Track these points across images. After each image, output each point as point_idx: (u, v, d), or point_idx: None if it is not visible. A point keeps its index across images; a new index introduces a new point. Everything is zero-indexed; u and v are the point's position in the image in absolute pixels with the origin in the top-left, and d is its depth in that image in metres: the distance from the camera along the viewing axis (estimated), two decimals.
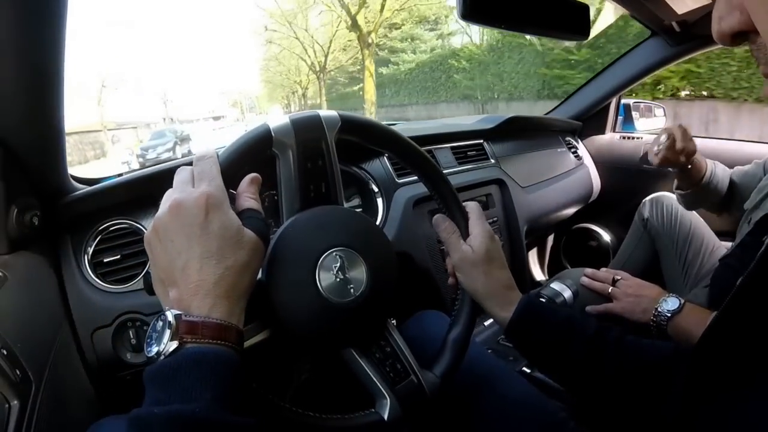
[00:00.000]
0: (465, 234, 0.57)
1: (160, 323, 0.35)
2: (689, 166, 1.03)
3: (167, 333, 0.34)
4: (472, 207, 0.58)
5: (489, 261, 0.55)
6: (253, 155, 0.46)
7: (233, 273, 0.37)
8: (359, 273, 0.47)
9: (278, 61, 28.01)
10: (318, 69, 22.50)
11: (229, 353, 0.35)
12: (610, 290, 0.87)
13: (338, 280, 0.46)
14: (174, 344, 0.34)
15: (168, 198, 0.38)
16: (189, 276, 0.36)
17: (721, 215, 1.12)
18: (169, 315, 0.35)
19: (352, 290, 0.46)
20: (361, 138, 0.53)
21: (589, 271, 0.91)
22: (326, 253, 0.46)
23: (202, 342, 0.34)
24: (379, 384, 0.49)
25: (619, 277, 0.88)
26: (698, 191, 1.06)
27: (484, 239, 0.56)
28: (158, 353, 0.34)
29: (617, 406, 0.50)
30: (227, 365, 0.34)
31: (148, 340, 0.36)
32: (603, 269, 0.92)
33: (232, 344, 0.35)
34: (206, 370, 0.33)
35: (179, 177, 0.40)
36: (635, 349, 0.50)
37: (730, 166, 1.09)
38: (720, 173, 1.06)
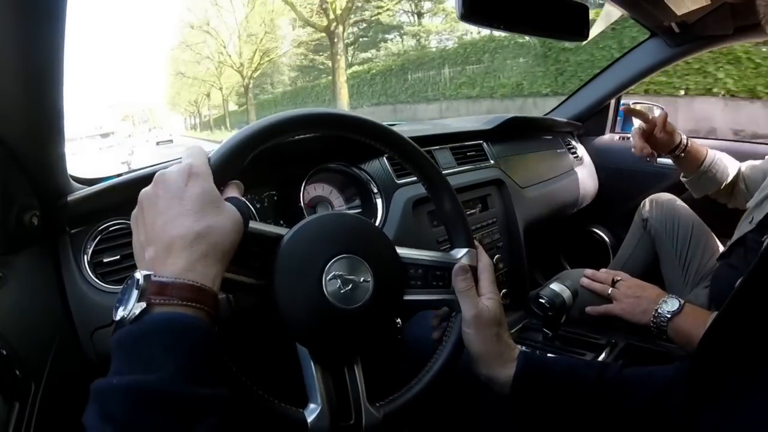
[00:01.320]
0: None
1: (129, 283, 0.33)
2: (679, 153, 1.07)
3: (134, 294, 0.32)
4: (485, 264, 0.56)
5: (499, 324, 0.54)
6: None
7: (213, 233, 0.36)
8: (364, 279, 0.48)
9: (206, 31, 18.36)
10: (337, 16, 11.84)
11: (200, 319, 0.33)
12: (609, 291, 0.86)
13: (344, 287, 0.47)
14: (141, 306, 0.32)
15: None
16: (166, 231, 0.35)
17: (729, 203, 1.13)
18: (138, 274, 0.33)
19: (358, 296, 0.47)
20: (242, 162, 0.46)
21: (588, 272, 0.91)
22: (331, 262, 0.47)
23: (172, 304, 0.32)
24: (451, 297, 0.54)
25: (618, 278, 0.88)
26: (699, 177, 1.09)
27: (497, 301, 0.55)
28: (123, 318, 0.32)
29: None
30: (197, 332, 0.32)
31: (117, 304, 0.34)
32: (603, 270, 0.92)
33: (205, 308, 0.33)
34: (172, 338, 0.31)
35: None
36: (637, 381, 0.50)
37: None
38: (721, 163, 1.08)
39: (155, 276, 0.33)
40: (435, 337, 0.57)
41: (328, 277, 0.46)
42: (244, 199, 0.43)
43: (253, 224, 0.45)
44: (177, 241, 0.35)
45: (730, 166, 1.09)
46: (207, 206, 0.37)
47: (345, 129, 0.52)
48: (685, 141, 1.07)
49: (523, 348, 0.55)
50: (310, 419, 0.45)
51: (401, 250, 0.54)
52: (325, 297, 0.46)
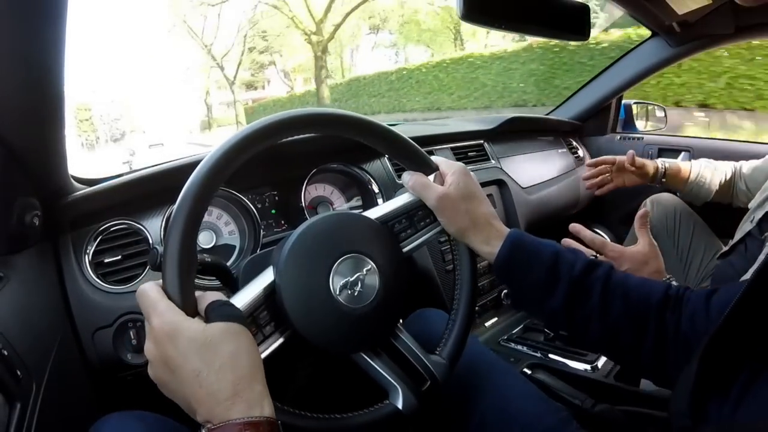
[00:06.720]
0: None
1: None
2: (659, 180, 1.11)
3: None
4: (438, 159, 0.57)
5: (470, 198, 0.53)
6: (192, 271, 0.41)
7: (227, 371, 0.36)
8: (372, 280, 0.48)
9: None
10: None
11: None
12: None
13: (351, 286, 0.47)
14: None
15: None
16: (199, 399, 0.36)
17: (732, 202, 1.14)
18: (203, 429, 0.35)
19: (364, 297, 0.47)
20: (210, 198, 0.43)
21: (566, 241, 0.86)
22: (340, 260, 0.47)
23: None
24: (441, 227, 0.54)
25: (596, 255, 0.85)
26: (691, 190, 1.12)
27: (460, 177, 0.53)
28: None
29: (602, 350, 0.49)
30: None
31: None
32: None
33: None
34: None
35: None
36: (623, 291, 0.48)
37: None
38: (707, 172, 1.10)
39: (211, 426, 0.35)
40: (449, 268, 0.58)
41: (336, 276, 0.46)
42: (222, 299, 0.41)
43: (240, 296, 0.44)
44: (210, 398, 0.36)
45: (719, 169, 1.11)
46: (205, 352, 0.37)
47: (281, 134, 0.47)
48: (662, 168, 1.11)
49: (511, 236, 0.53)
50: (400, 405, 0.48)
51: (378, 211, 0.54)
52: (333, 296, 0.46)
